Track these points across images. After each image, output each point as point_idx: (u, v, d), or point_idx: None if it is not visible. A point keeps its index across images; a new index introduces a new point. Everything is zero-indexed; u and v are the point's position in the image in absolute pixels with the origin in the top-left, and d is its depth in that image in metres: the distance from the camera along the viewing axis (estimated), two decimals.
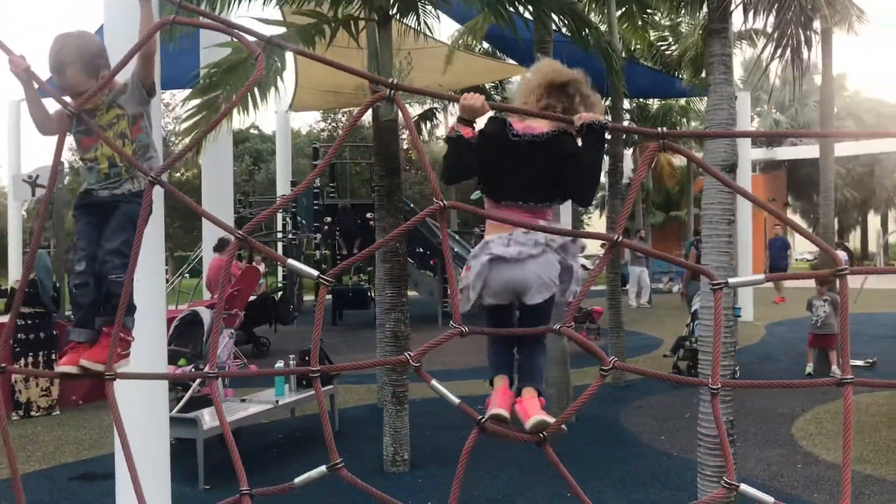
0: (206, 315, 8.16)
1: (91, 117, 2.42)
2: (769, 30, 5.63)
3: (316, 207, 17.29)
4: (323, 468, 1.99)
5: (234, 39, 2.16)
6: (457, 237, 19.66)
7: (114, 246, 2.59)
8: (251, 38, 2.03)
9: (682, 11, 8.68)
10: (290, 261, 1.87)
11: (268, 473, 6.12)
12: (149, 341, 4.16)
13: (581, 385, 9.08)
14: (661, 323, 15.92)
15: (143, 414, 4.17)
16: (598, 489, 5.68)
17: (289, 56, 6.81)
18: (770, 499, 1.88)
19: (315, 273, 1.84)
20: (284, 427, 7.84)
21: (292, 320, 15.27)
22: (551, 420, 2.38)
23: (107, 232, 2.62)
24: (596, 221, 40.92)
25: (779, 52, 5.25)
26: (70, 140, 2.50)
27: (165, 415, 4.49)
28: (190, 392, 6.74)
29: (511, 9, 6.59)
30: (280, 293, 16.01)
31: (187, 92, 6.35)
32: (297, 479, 1.98)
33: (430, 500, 5.49)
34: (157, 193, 3.89)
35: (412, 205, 17.99)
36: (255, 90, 6.16)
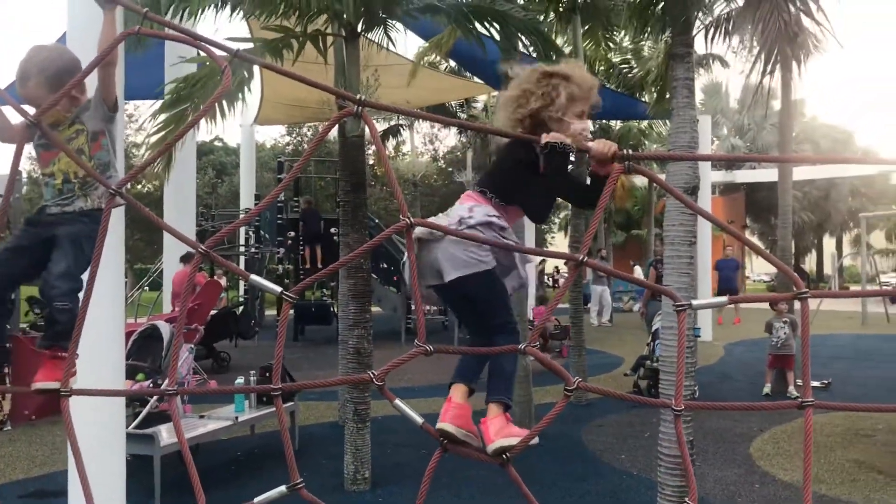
0: (165, 329, 8.05)
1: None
2: (733, 52, 5.75)
3: (279, 221, 17.17)
4: (283, 488, 1.95)
5: (201, 53, 2.13)
6: None
7: (59, 270, 2.55)
8: (218, 51, 2.01)
9: (646, 34, 8.80)
10: (253, 277, 1.84)
11: (227, 491, 6.02)
12: (106, 356, 4.09)
13: (544, 403, 9.11)
14: (621, 342, 16.04)
15: (98, 430, 4.08)
16: None
17: (255, 69, 6.78)
18: None
19: (278, 289, 1.82)
20: (244, 444, 7.73)
21: (253, 335, 15.12)
22: (514, 442, 2.35)
23: (54, 255, 2.58)
24: (560, 241, 41.25)
25: (768, 67, 5.35)
26: (31, 150, 2.46)
27: (122, 431, 4.40)
28: (147, 408, 6.61)
29: (478, 26, 6.64)
30: (241, 307, 15.86)
31: (150, 103, 6.29)
32: (257, 499, 1.95)
33: None
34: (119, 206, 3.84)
35: (377, 220, 17.97)
36: (223, 101, 6.12)
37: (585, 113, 2.62)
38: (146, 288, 17.87)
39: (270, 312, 19.69)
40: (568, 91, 2.57)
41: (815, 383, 10.56)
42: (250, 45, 6.69)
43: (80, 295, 2.87)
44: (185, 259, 11.40)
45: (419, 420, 2.01)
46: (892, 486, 6.24)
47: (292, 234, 17.05)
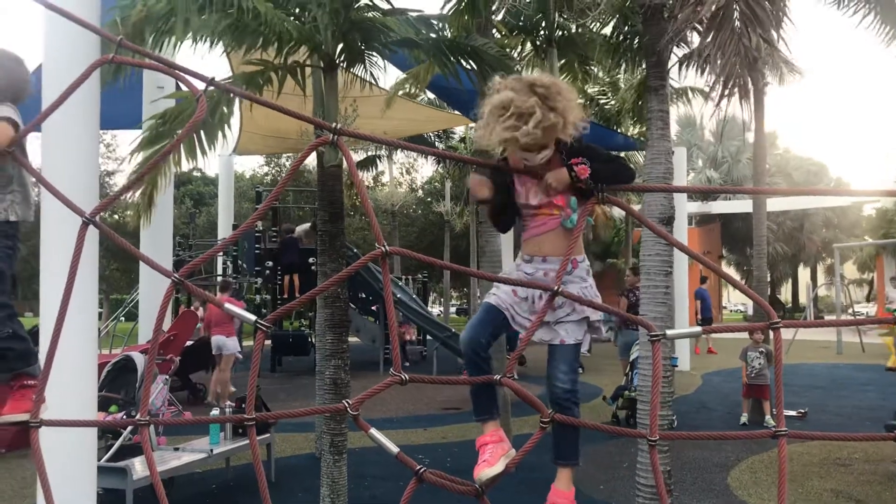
0: (139, 360, 7.94)
1: None
2: (707, 86, 5.83)
3: (257, 251, 17.10)
4: None
5: (181, 87, 2.14)
6: (399, 283, 19.63)
7: None
8: (193, 81, 2.02)
9: (622, 67, 8.96)
10: (227, 305, 1.83)
11: None
12: (78, 387, 4.03)
13: (521, 434, 9.07)
14: (599, 372, 16.05)
15: (69, 462, 4.01)
16: None
17: (236, 104, 6.79)
18: None
19: (253, 318, 1.81)
20: (219, 476, 7.62)
21: (213, 366, 14.94)
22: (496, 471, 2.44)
23: None
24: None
25: (726, 92, 5.42)
26: None
27: (93, 463, 4.32)
28: (120, 440, 6.51)
29: (454, 60, 6.70)
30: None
31: (127, 133, 6.27)
32: None
33: None
34: (93, 234, 3.81)
35: (356, 250, 17.94)
36: (202, 135, 6.12)
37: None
38: (122, 318, 17.68)
39: (248, 343, 19.52)
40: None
41: (791, 412, 10.61)
42: (229, 79, 6.71)
43: (17, 317, 2.82)
44: (223, 288, 11.56)
45: (394, 450, 1.99)
46: None
47: (270, 263, 16.97)
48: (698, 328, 1.98)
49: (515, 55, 11.40)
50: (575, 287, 2.55)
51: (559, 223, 2.56)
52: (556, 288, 2.18)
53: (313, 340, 15.52)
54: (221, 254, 18.64)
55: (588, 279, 2.64)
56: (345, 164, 6.30)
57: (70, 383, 4.02)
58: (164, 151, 1.85)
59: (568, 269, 2.54)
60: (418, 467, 2.03)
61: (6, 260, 2.72)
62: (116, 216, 31.69)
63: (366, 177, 31.53)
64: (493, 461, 2.50)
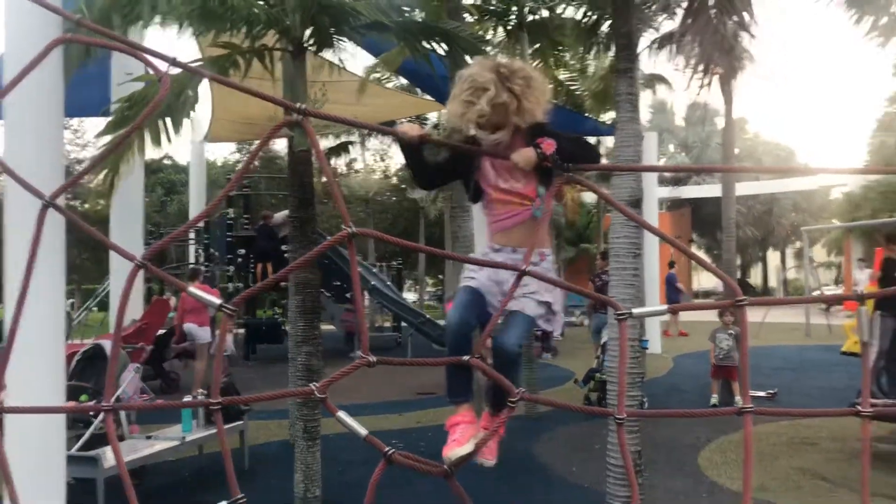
0: (110, 349, 7.86)
1: None
2: (677, 69, 5.86)
3: (229, 239, 16.96)
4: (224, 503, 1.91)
5: (149, 71, 2.10)
6: (374, 270, 19.59)
7: None
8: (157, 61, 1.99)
9: (593, 52, 8.97)
10: (191, 288, 1.81)
11: None
12: (45, 376, 3.98)
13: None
14: (572, 355, 16.16)
15: (36, 452, 3.97)
16: None
17: (204, 87, 6.72)
18: None
19: (217, 302, 1.79)
20: (192, 464, 7.58)
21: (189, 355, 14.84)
22: (467, 450, 2.43)
23: None
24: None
25: (704, 80, 5.45)
26: None
27: (62, 453, 4.28)
28: (91, 429, 6.45)
29: (426, 44, 6.68)
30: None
31: (94, 120, 6.19)
32: None
33: None
34: (58, 221, 3.75)
35: (329, 237, 17.88)
36: (168, 121, 6.04)
37: None
38: (93, 308, 17.48)
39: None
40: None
41: (761, 393, 10.76)
42: (197, 61, 6.63)
43: None
44: (192, 276, 11.44)
45: (363, 432, 1.98)
46: (836, 493, 6.38)
47: (242, 251, 16.85)
48: (664, 306, 1.99)
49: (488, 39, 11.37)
50: (535, 282, 2.59)
51: (531, 214, 2.58)
52: (524, 268, 2.18)
53: (287, 328, 15.46)
54: (193, 242, 18.50)
55: (552, 275, 2.70)
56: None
57: (37, 372, 3.97)
58: (125, 132, 1.82)
59: (535, 261, 2.58)
60: (387, 449, 2.02)
61: None
62: (87, 205, 31.29)
63: (338, 163, 31.37)
64: (462, 441, 2.50)
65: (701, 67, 5.22)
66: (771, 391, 10.96)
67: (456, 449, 2.46)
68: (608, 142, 19.84)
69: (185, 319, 11.71)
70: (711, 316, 16.20)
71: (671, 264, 21.76)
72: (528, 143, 2.41)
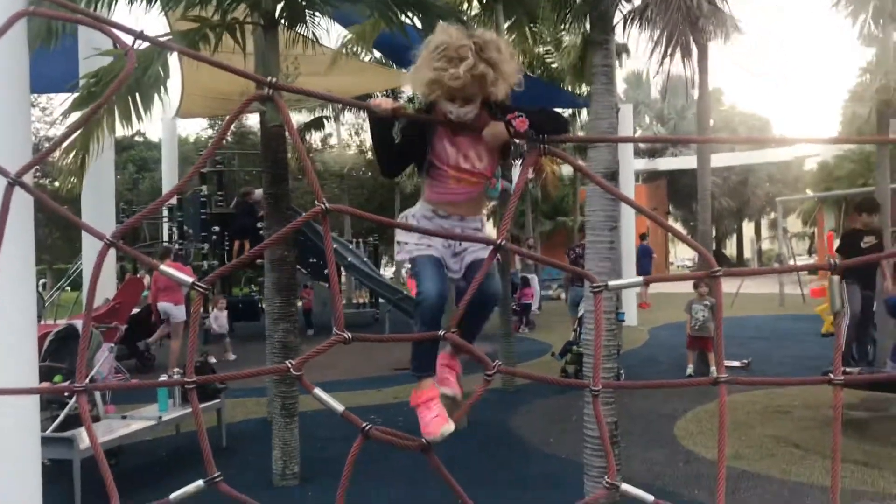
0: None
1: None
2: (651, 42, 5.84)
3: (203, 217, 16.80)
4: (200, 482, 1.90)
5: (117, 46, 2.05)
6: (350, 246, 19.52)
7: None
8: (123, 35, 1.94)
9: (567, 25, 8.91)
10: (163, 266, 1.79)
11: (154, 491, 5.78)
12: (18, 358, 3.93)
13: (472, 391, 9.16)
14: (549, 328, 16.26)
15: (9, 434, 3.92)
16: (488, 493, 5.72)
17: (174, 63, 6.60)
18: (650, 497, 1.92)
19: (189, 280, 1.76)
20: (169, 443, 7.56)
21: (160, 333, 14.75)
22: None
23: None
24: (488, 230, 41.56)
25: (669, 49, 5.43)
26: None
27: (36, 434, 4.23)
28: (66, 410, 6.39)
29: (400, 14, 6.61)
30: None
31: (63, 96, 6.08)
32: (173, 495, 1.90)
33: None
34: (26, 200, 3.68)
35: (303, 213, 17.75)
36: (138, 99, 5.94)
37: None
38: (66, 288, 17.29)
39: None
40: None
41: (735, 363, 10.90)
42: (166, 35, 6.51)
43: None
44: (163, 255, 11.35)
45: (339, 408, 1.98)
46: (808, 459, 6.49)
47: (217, 228, 16.70)
48: (640, 278, 1.99)
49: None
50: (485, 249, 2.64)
51: (482, 190, 2.58)
52: (500, 242, 2.15)
53: (263, 306, 15.38)
54: (167, 219, 18.30)
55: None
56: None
57: (9, 354, 3.92)
58: (90, 109, 1.78)
59: (478, 226, 2.66)
60: (364, 425, 2.02)
61: None
62: (58, 183, 30.79)
63: (313, 139, 31.12)
64: (445, 416, 2.48)
65: (665, 40, 5.21)
66: (745, 360, 11.10)
67: (445, 426, 2.43)
68: (584, 114, 19.85)
69: (159, 298, 11.62)
70: (686, 287, 16.34)
71: (643, 236, 21.91)
72: (494, 118, 2.38)
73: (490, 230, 2.82)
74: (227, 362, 12.55)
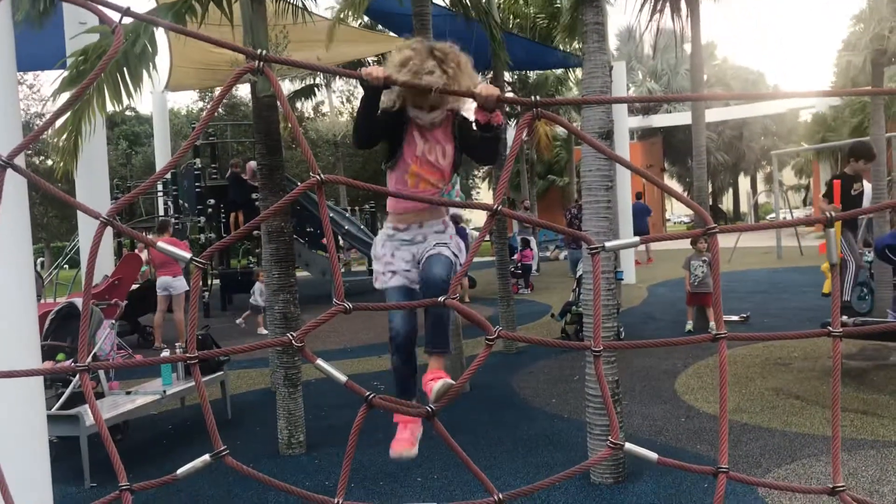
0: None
1: None
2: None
3: (198, 190, 16.74)
4: (207, 457, 1.91)
5: (108, 25, 2.01)
6: (347, 214, 19.48)
7: None
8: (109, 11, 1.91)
9: None
10: (160, 243, 1.78)
11: (161, 465, 5.91)
12: (19, 338, 3.93)
13: (474, 355, 9.22)
14: (548, 290, 16.30)
15: (16, 413, 3.95)
16: (492, 455, 5.78)
17: (161, 36, 6.50)
18: (654, 455, 1.94)
19: (187, 255, 1.76)
20: (175, 417, 7.62)
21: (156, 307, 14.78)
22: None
23: None
24: (484, 194, 41.52)
25: (658, 4, 5.38)
26: None
27: (42, 413, 4.26)
28: (70, 388, 6.43)
29: None
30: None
31: (52, 73, 6.00)
32: (180, 470, 1.91)
33: (328, 481, 5.46)
34: (20, 180, 3.66)
35: (299, 183, 17.69)
36: (127, 76, 5.87)
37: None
38: (65, 266, 17.29)
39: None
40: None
41: (734, 317, 10.96)
42: (152, 10, 6.42)
43: None
44: (161, 229, 11.37)
45: (342, 378, 1.99)
46: (808, 410, 6.55)
47: (212, 201, 16.66)
48: (636, 238, 1.99)
49: None
50: (445, 237, 2.83)
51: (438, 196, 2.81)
52: (496, 207, 2.15)
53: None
54: (162, 194, 18.25)
55: (466, 239, 2.88)
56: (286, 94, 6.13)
57: (10, 335, 3.92)
58: (80, 86, 1.76)
59: (441, 229, 2.83)
60: (367, 393, 2.03)
61: None
62: (50, 161, 30.63)
63: (305, 107, 30.91)
64: (413, 442, 2.70)
65: None
66: (744, 314, 11.16)
67: (406, 450, 2.72)
68: (577, 73, 19.71)
69: (158, 273, 11.66)
70: (684, 244, 16.36)
71: (639, 195, 21.87)
72: (454, 127, 2.70)
73: (457, 229, 2.96)
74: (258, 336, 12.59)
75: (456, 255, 2.78)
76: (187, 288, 11.72)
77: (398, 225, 2.80)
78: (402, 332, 2.72)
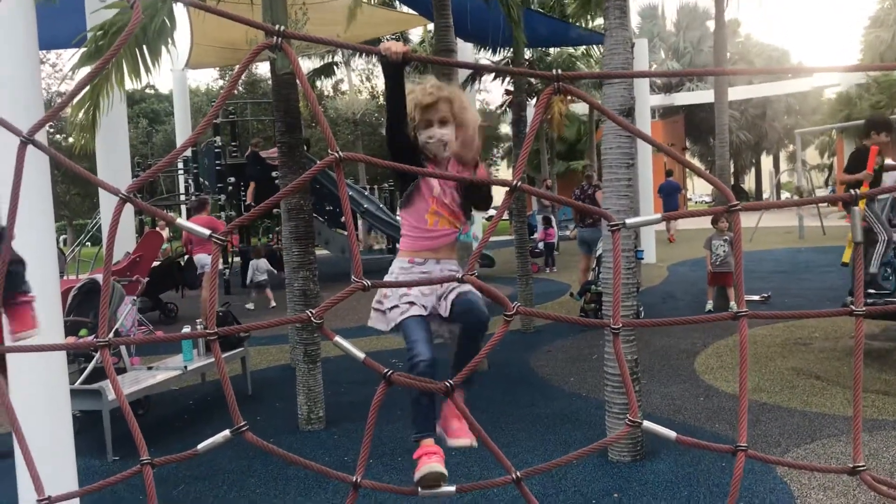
0: None
1: None
2: None
3: (218, 168, 16.80)
4: (227, 432, 1.93)
5: None
6: (366, 193, 19.50)
7: None
8: None
9: None
10: (180, 220, 1.79)
11: (183, 440, 5.99)
12: (43, 312, 3.97)
13: (491, 333, 9.23)
14: (567, 269, 16.27)
15: (40, 388, 4.00)
16: (510, 433, 5.80)
17: (182, 14, 6.52)
18: (672, 434, 1.93)
19: (207, 232, 1.77)
20: (195, 392, 7.70)
21: (199, 284, 14.92)
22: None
23: None
24: (504, 172, 41.43)
25: None
26: None
27: (65, 387, 4.31)
28: (93, 363, 6.52)
29: None
30: (185, 257, 15.61)
31: (72, 52, 6.04)
32: (201, 445, 1.92)
33: (347, 456, 5.50)
34: (41, 158, 3.69)
35: (318, 161, 17.67)
36: (146, 51, 5.88)
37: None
38: (87, 243, 17.46)
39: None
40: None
41: (755, 297, 10.89)
42: None
43: None
44: (199, 208, 11.48)
45: (361, 356, 1.99)
46: (828, 391, 6.51)
47: (233, 179, 16.72)
48: (657, 215, 1.98)
49: None
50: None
51: (455, 237, 2.80)
52: (515, 183, 2.14)
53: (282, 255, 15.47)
54: (182, 172, 18.32)
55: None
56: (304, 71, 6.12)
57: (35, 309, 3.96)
58: (100, 62, 1.76)
59: (455, 268, 2.80)
60: (386, 370, 2.04)
61: None
62: (72, 139, 30.81)
63: (325, 85, 30.88)
64: (441, 461, 2.53)
65: None
66: (765, 294, 11.09)
67: (431, 465, 2.47)
68: (598, 50, 19.52)
69: (194, 252, 11.86)
70: (704, 223, 16.23)
71: (669, 173, 21.69)
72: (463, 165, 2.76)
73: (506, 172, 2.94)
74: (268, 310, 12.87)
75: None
76: (220, 267, 11.89)
77: (415, 259, 2.77)
78: (426, 359, 2.55)
